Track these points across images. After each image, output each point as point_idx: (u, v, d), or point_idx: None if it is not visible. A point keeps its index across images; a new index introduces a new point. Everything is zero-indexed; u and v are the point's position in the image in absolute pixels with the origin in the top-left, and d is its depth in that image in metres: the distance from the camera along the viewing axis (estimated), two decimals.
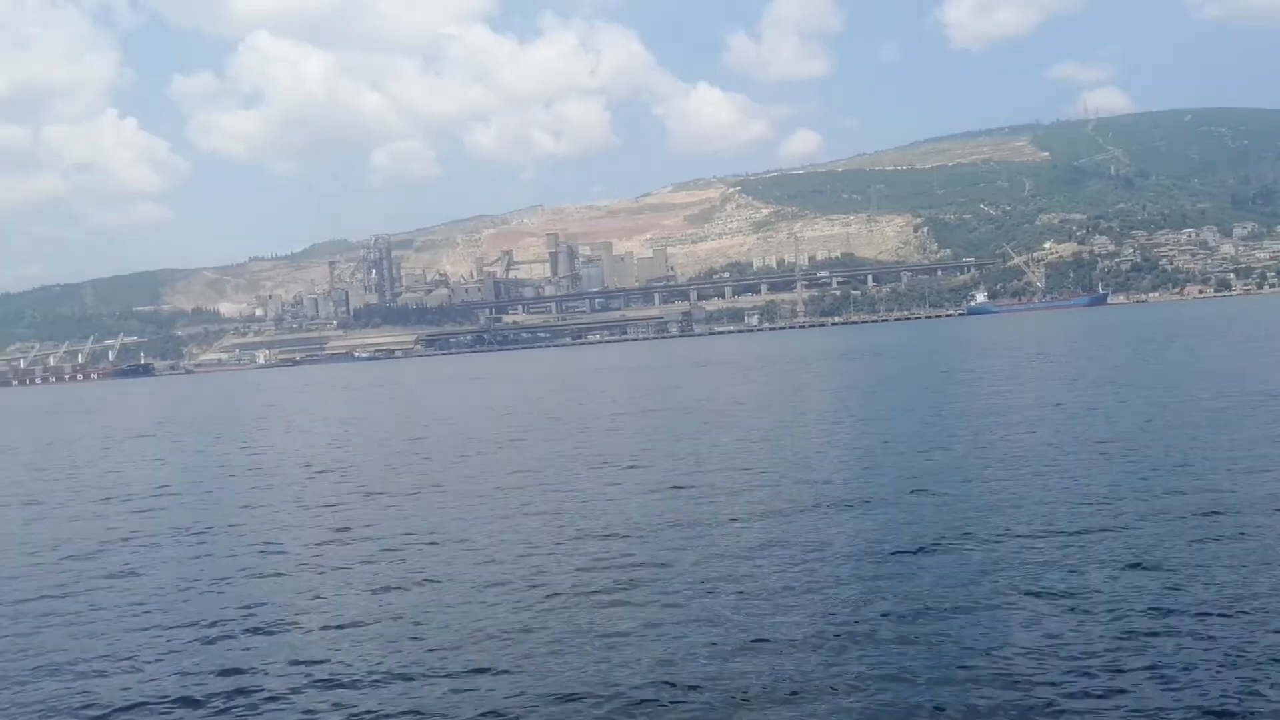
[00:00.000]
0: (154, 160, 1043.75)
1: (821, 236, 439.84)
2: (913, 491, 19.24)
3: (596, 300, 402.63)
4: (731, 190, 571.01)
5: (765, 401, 46.46)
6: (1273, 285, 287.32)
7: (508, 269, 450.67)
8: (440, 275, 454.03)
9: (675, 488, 21.51)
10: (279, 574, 15.97)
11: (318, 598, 14.23)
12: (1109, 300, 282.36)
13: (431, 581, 14.71)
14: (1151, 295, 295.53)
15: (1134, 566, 12.96)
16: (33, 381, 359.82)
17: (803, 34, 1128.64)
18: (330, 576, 15.50)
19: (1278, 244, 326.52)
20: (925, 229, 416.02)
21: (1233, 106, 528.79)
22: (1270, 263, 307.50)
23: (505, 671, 10.61)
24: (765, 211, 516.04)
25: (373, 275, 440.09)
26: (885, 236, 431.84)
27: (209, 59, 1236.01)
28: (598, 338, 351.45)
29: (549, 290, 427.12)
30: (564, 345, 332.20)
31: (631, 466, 25.71)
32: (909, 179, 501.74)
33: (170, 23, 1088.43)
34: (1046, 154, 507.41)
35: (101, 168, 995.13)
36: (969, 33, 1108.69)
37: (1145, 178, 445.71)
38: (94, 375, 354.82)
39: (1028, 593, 12.13)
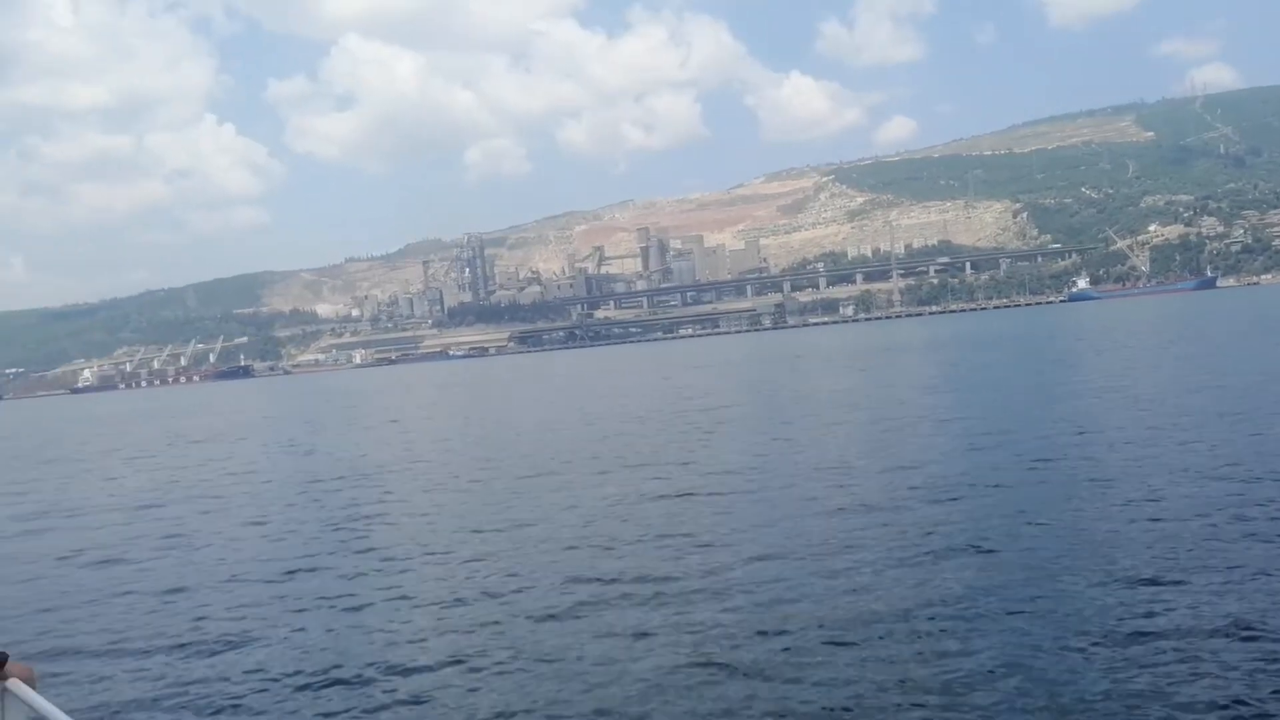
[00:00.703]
0: (252, 164, 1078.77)
1: (918, 224, 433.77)
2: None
3: (688, 294, 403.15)
4: (825, 179, 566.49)
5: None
6: None
7: (599, 264, 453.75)
8: (533, 272, 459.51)
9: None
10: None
11: None
12: (1218, 284, 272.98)
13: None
14: (1265, 277, 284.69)
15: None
16: (138, 385, 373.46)
17: (896, 18, 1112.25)
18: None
19: None
20: (1024, 214, 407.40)
21: None
22: None
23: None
24: (859, 200, 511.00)
25: (466, 274, 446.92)
26: (984, 223, 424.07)
27: (303, 62, 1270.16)
28: (689, 331, 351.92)
29: (640, 285, 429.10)
30: (655, 340, 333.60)
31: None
32: (1007, 163, 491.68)
33: (265, 28, 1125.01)
34: (1151, 134, 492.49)
35: (201, 173, 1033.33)
36: (1070, 10, 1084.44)
37: (1257, 155, 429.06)
38: (196, 377, 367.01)
39: None
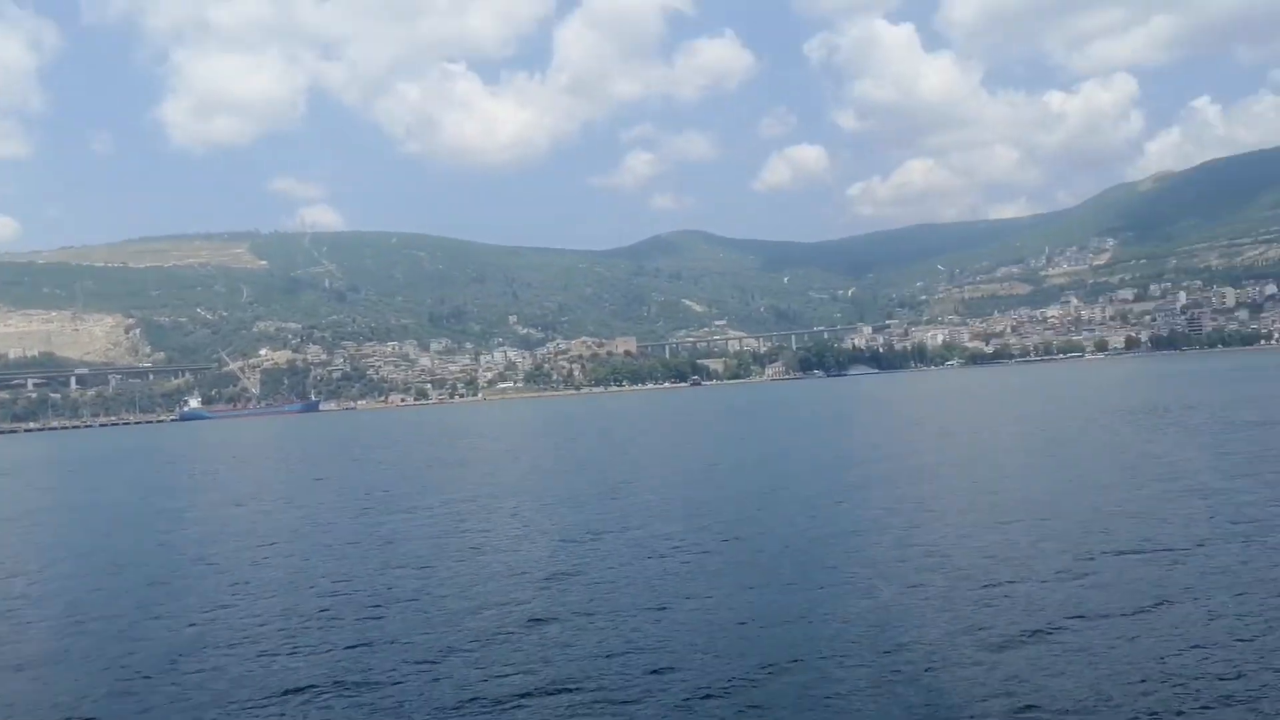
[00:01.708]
0: None
1: (16, 333, 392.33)
2: None
3: None
4: None
5: None
6: (462, 395, 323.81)
7: None
8: None
9: None
10: None
11: None
12: (321, 407, 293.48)
13: None
14: (360, 403, 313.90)
15: None
16: None
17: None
18: None
19: (466, 358, 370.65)
20: (138, 330, 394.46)
21: (430, 234, 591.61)
22: (460, 375, 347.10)
23: None
24: None
25: None
26: (94, 336, 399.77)
27: None
28: None
29: None
30: None
31: None
32: (121, 277, 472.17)
33: None
34: (265, 263, 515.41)
35: None
36: (190, 134, 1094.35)
37: (356, 292, 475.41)
38: None
39: None
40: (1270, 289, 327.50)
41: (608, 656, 14.27)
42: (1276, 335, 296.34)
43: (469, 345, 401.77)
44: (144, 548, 28.51)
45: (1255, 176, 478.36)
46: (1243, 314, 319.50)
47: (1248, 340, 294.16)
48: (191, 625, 17.72)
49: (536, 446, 68.06)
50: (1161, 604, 15.19)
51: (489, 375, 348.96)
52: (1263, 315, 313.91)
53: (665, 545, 22.71)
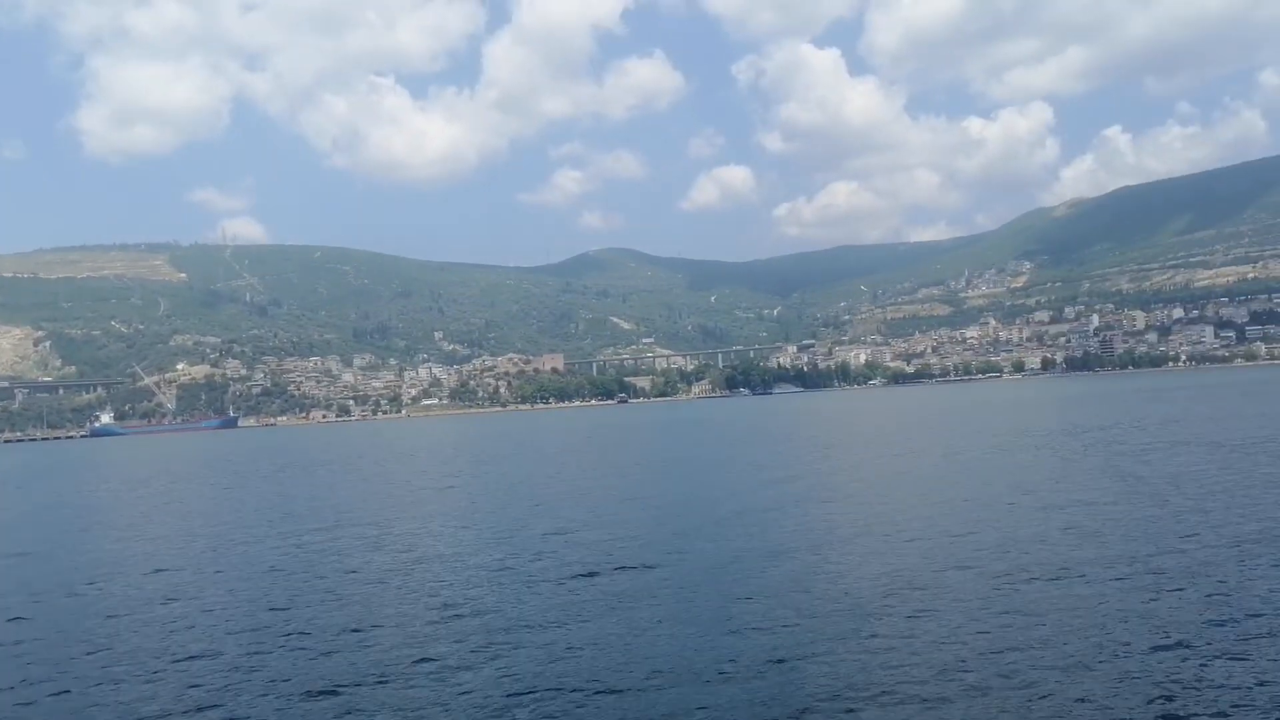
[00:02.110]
0: None
1: None
2: None
3: None
4: None
5: None
6: (386, 411, 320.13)
7: None
8: None
9: None
10: None
11: None
12: (240, 423, 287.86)
13: None
14: (280, 419, 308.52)
15: None
16: None
17: None
18: None
19: (390, 374, 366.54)
20: (48, 343, 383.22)
21: (355, 248, 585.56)
22: (384, 391, 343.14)
23: None
24: None
25: None
26: (1, 349, 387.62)
27: None
28: None
29: None
30: None
31: None
32: (31, 288, 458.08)
33: None
34: (184, 275, 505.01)
35: None
36: (107, 143, 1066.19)
37: (278, 306, 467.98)
38: None
39: None
40: (1177, 313, 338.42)
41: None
42: (1183, 357, 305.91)
43: (393, 361, 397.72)
44: None
45: (1163, 205, 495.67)
46: (1152, 336, 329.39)
47: (1156, 362, 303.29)
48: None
49: (453, 466, 67.38)
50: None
51: (413, 392, 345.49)
52: (1170, 338, 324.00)
53: (555, 573, 22.59)
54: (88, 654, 17.27)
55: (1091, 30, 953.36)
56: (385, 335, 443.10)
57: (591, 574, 22.08)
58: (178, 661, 16.46)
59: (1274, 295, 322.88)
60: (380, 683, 14.69)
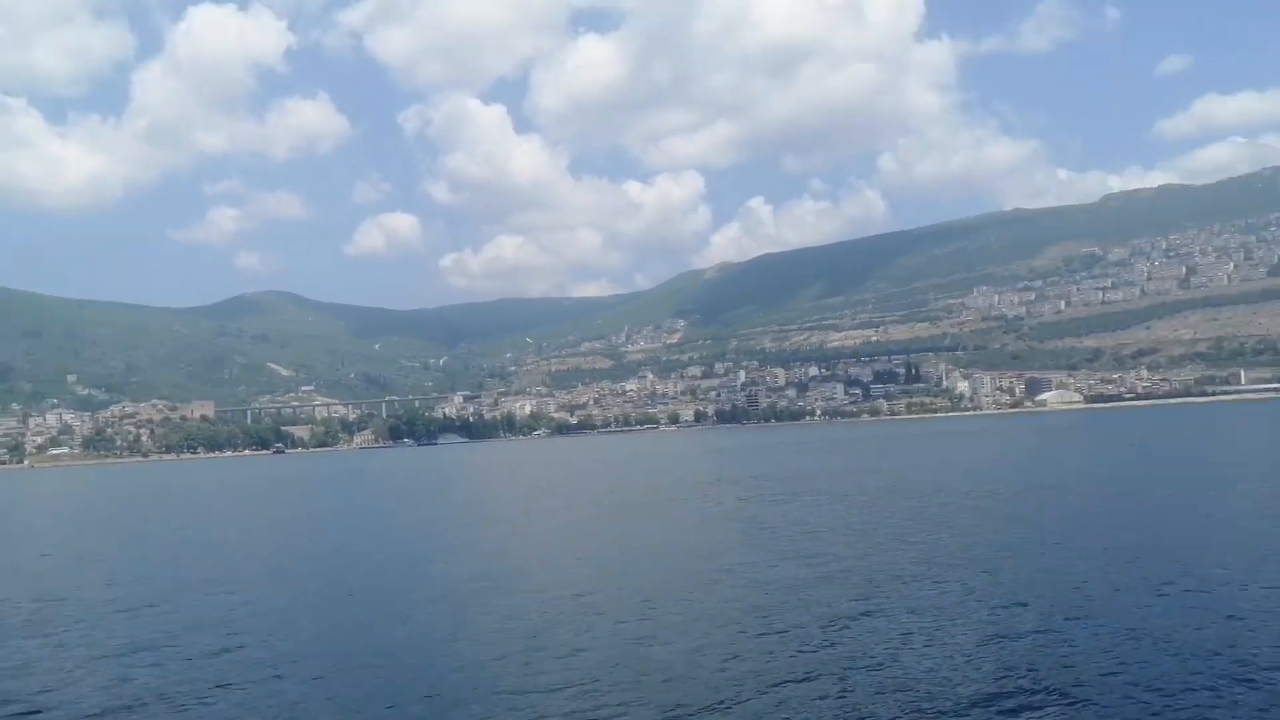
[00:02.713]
0: None
1: None
2: None
3: None
4: None
5: None
6: (4, 462, 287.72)
7: None
8: None
9: None
10: None
11: None
12: None
13: None
14: None
15: None
16: None
17: None
18: None
19: (13, 421, 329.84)
20: None
21: None
22: (4, 439, 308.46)
23: None
24: None
25: None
26: None
27: None
28: None
29: None
30: None
31: None
32: None
33: None
34: None
35: None
36: None
37: None
38: None
39: None
40: (813, 371, 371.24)
41: None
42: (819, 412, 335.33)
43: (16, 407, 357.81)
44: None
45: (799, 272, 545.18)
46: (791, 392, 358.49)
47: (796, 416, 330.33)
48: None
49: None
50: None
51: (39, 440, 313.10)
52: (807, 394, 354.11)
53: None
54: None
55: (737, 108, 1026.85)
56: (7, 378, 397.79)
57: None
58: None
59: (893, 357, 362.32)
60: None
